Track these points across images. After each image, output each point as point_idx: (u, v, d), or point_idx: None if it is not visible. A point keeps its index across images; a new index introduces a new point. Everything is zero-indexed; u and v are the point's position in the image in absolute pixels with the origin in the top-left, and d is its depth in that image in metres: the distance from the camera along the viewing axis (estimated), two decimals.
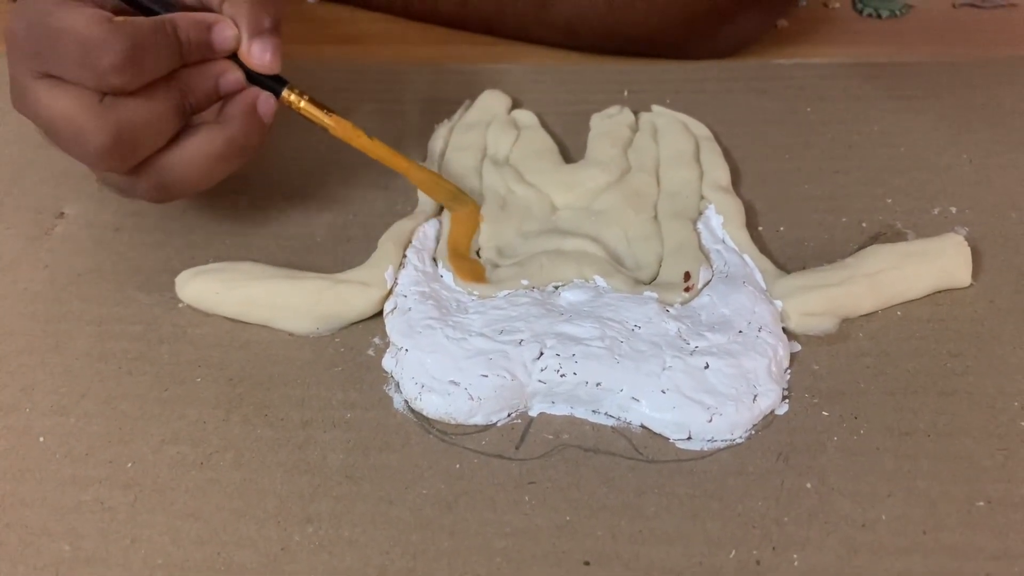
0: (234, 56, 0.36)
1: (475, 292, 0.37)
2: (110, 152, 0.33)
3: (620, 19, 0.50)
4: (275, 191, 0.43)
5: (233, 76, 0.36)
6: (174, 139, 0.35)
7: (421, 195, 0.42)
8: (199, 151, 0.35)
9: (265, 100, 0.37)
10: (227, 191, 0.42)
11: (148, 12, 0.35)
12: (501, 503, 0.31)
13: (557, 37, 0.53)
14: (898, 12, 0.58)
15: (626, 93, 0.49)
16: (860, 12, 0.58)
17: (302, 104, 0.37)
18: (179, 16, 0.35)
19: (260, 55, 0.36)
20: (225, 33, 0.36)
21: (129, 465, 0.32)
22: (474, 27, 0.54)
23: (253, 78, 0.37)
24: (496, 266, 0.39)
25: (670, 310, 0.36)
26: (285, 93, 0.37)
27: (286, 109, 0.38)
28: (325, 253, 0.40)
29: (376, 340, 0.36)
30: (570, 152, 0.46)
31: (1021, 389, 0.34)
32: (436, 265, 0.39)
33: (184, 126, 0.35)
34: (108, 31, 0.32)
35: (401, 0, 0.55)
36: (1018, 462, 0.31)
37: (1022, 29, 0.55)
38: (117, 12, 0.34)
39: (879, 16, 0.57)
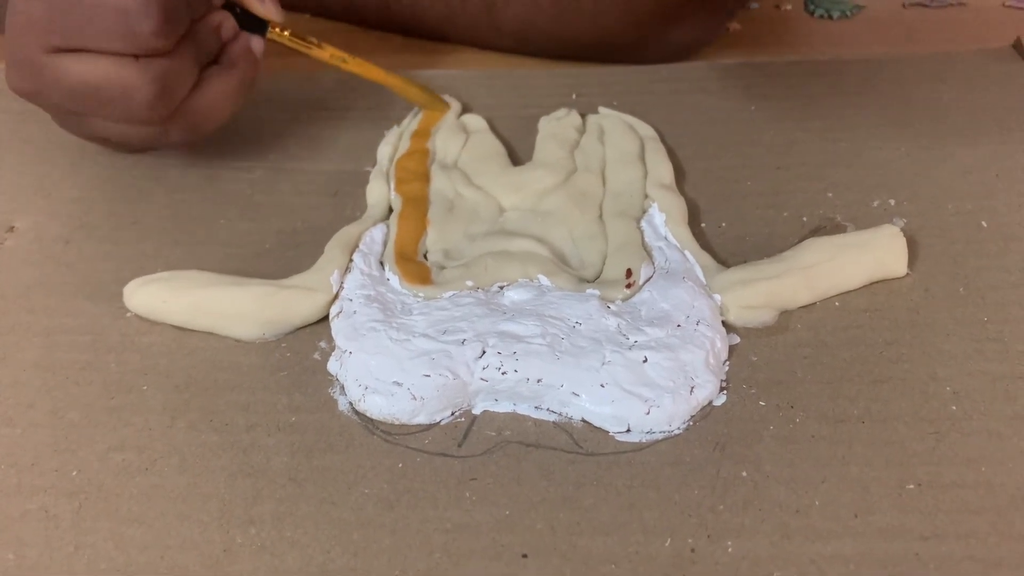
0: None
1: (420, 294, 0.38)
2: (155, 102, 0.38)
3: (568, 24, 0.51)
4: (225, 200, 0.44)
5: (229, 24, 0.42)
6: (195, 85, 0.40)
7: (370, 200, 0.43)
8: (218, 91, 0.41)
9: (257, 41, 0.43)
10: (177, 200, 0.42)
11: None
12: (442, 500, 0.31)
13: (508, 43, 0.53)
14: (849, 12, 0.59)
15: (575, 96, 0.50)
16: (812, 13, 0.59)
17: (286, 35, 0.44)
18: None
19: (272, 6, 0.43)
20: None
21: (74, 473, 0.32)
22: (426, 34, 0.55)
23: (242, 25, 0.43)
24: (442, 268, 0.39)
25: (611, 306, 0.37)
26: (270, 31, 0.44)
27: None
28: (274, 260, 0.40)
29: (322, 344, 0.37)
30: (520, 155, 0.47)
31: (953, 374, 0.35)
32: (383, 268, 0.39)
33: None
34: (145, 1, 0.36)
35: (354, 8, 0.56)
36: (948, 445, 0.32)
37: (970, 27, 0.56)
38: None
39: (831, 17, 0.58)
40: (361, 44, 0.56)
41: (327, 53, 0.45)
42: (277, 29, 0.44)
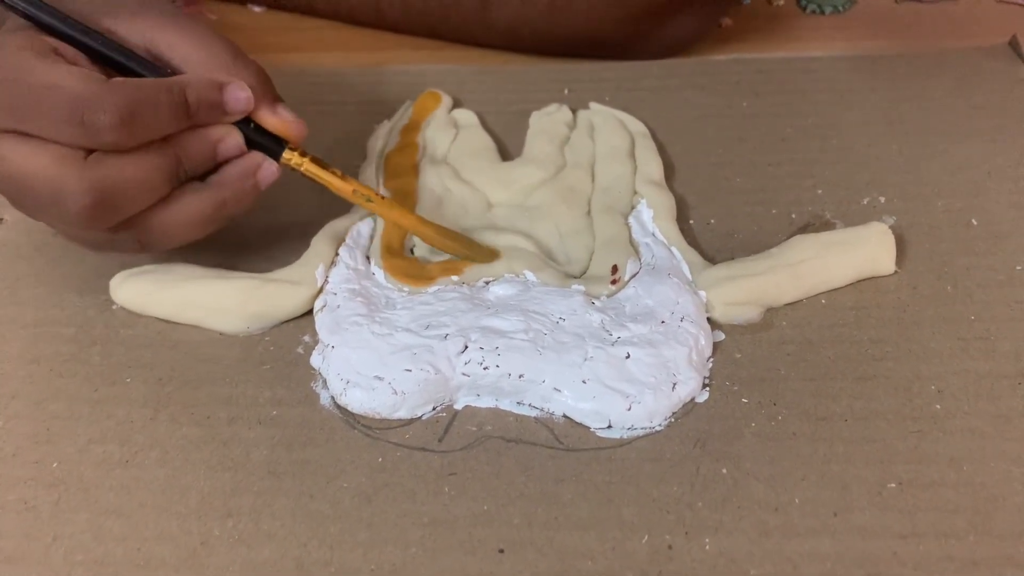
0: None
1: (405, 288, 0.38)
2: (91, 213, 0.32)
3: (561, 21, 0.51)
4: None
5: (233, 141, 0.35)
6: (162, 200, 0.34)
7: None
8: (186, 213, 0.34)
9: (267, 167, 0.36)
10: None
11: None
12: (421, 494, 0.31)
13: (500, 40, 0.53)
14: (841, 8, 0.58)
15: (566, 91, 0.50)
16: (804, 9, 0.58)
17: (304, 166, 0.37)
18: (188, 76, 0.34)
19: (288, 117, 0.36)
20: (239, 94, 0.35)
21: (55, 465, 0.32)
22: (418, 31, 0.55)
23: (251, 142, 0.36)
24: (428, 262, 0.39)
25: (595, 302, 0.36)
26: (287, 155, 0.36)
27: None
28: (261, 254, 0.40)
29: (306, 338, 0.37)
30: (510, 150, 0.47)
31: (938, 373, 0.34)
32: (369, 263, 0.39)
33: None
34: (105, 89, 0.31)
35: (346, 6, 0.56)
36: (930, 444, 0.32)
37: (963, 22, 0.56)
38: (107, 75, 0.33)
39: (823, 12, 0.58)
40: (353, 41, 0.56)
41: (350, 188, 0.37)
42: (296, 155, 0.37)
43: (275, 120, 0.36)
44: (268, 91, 0.36)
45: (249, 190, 0.36)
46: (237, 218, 0.36)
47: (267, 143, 0.36)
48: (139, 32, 0.35)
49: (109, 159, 0.32)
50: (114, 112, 0.31)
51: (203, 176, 0.36)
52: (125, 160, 0.32)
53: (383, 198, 0.38)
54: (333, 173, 0.37)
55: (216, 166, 0.36)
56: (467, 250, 0.39)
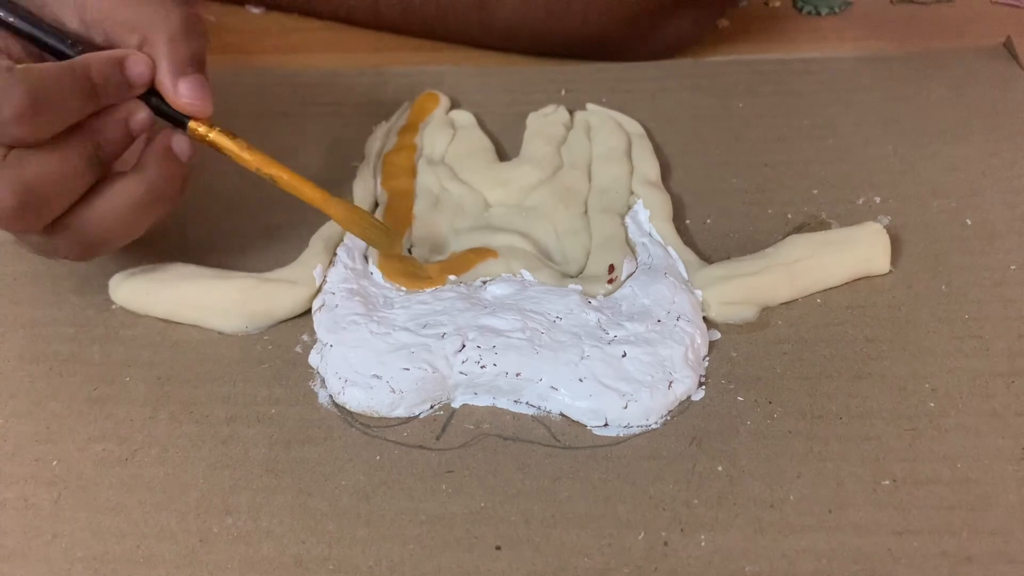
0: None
1: (403, 288, 0.38)
2: (17, 214, 0.31)
3: (558, 22, 0.51)
4: (211, 194, 0.44)
5: (142, 115, 0.34)
6: (89, 192, 0.33)
7: (356, 194, 0.43)
8: (118, 203, 0.33)
9: (181, 140, 0.35)
10: None
11: (58, 54, 0.33)
12: (418, 492, 0.31)
13: (498, 41, 0.53)
14: (837, 9, 0.58)
15: (564, 92, 0.50)
16: (800, 10, 0.59)
17: (210, 136, 0.35)
18: (91, 56, 0.33)
19: (190, 94, 0.34)
20: (139, 68, 0.34)
21: (55, 463, 0.32)
22: (416, 32, 0.55)
23: (159, 114, 0.35)
24: (426, 262, 0.39)
25: (592, 301, 0.37)
26: (192, 124, 0.35)
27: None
28: (260, 254, 0.40)
29: (304, 337, 0.37)
30: (508, 151, 0.47)
31: (933, 371, 0.35)
32: (367, 262, 0.39)
33: (99, 178, 0.33)
34: (6, 79, 0.30)
35: (344, 7, 0.56)
36: (925, 441, 0.32)
37: (957, 23, 0.56)
38: (20, 60, 0.32)
39: (819, 13, 0.58)
40: (351, 42, 0.56)
41: (254, 163, 0.36)
42: (202, 126, 0.35)
43: (173, 99, 0.34)
44: (176, 61, 0.34)
45: (173, 167, 0.35)
46: (172, 201, 0.35)
47: (174, 114, 0.35)
48: (72, 3, 0.34)
49: (25, 156, 0.31)
50: (15, 104, 0.30)
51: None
52: (42, 155, 0.31)
53: (288, 171, 0.36)
54: (239, 143, 0.35)
55: (128, 146, 0.34)
56: (377, 236, 0.38)
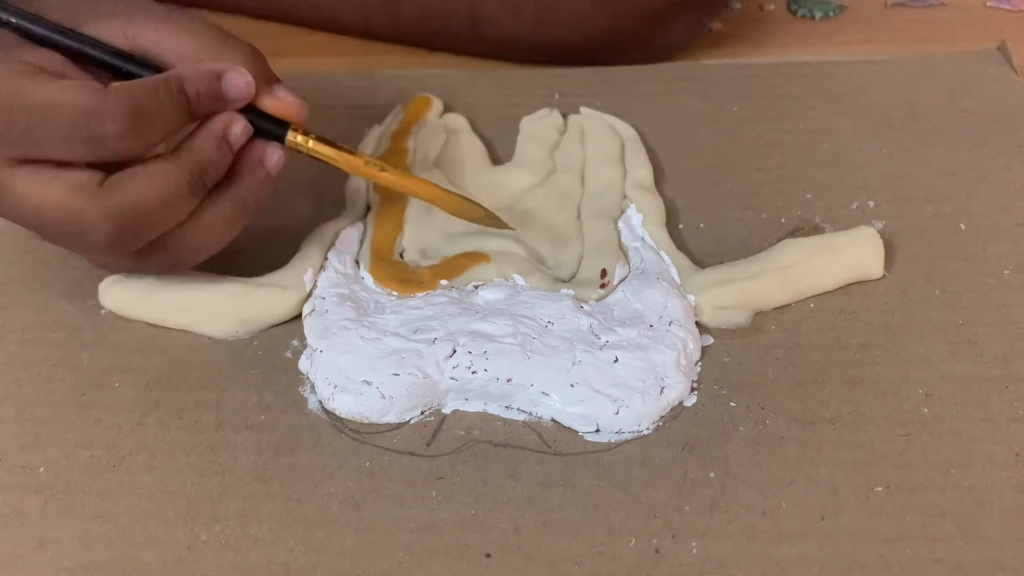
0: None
1: (394, 293, 0.38)
2: (114, 241, 0.31)
3: (550, 32, 0.51)
4: None
5: (240, 126, 0.34)
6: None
7: (349, 198, 0.43)
8: (210, 221, 0.33)
9: (274, 152, 0.35)
10: None
11: (110, 68, 0.33)
12: (408, 499, 0.31)
13: (491, 52, 0.53)
14: (832, 13, 0.59)
15: (557, 96, 0.50)
16: (795, 13, 0.59)
17: (310, 144, 0.36)
18: (183, 69, 0.33)
19: (289, 99, 0.35)
20: (238, 81, 0.34)
21: (41, 470, 0.32)
22: (408, 43, 0.55)
23: (255, 129, 0.35)
24: (418, 267, 0.39)
25: (584, 306, 0.36)
26: (290, 135, 0.35)
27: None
28: (251, 259, 0.40)
29: (294, 343, 0.37)
30: (501, 155, 0.47)
31: (926, 377, 0.34)
32: (359, 267, 0.39)
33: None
34: (104, 97, 0.30)
35: (337, 21, 0.56)
36: (919, 448, 0.32)
37: (953, 26, 0.56)
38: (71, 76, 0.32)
39: (813, 17, 0.58)
40: (344, 45, 0.56)
41: (361, 161, 0.36)
42: (300, 135, 0.35)
43: (275, 104, 0.35)
44: (264, 72, 0.35)
45: (263, 180, 0.35)
46: (256, 214, 0.35)
47: (268, 127, 0.35)
48: (120, 32, 0.34)
49: (126, 181, 0.31)
50: (119, 119, 0.30)
51: None
52: (143, 179, 0.31)
53: (393, 167, 0.37)
54: (340, 149, 0.36)
55: (228, 163, 0.34)
56: (489, 218, 0.38)
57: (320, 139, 0.36)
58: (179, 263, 0.35)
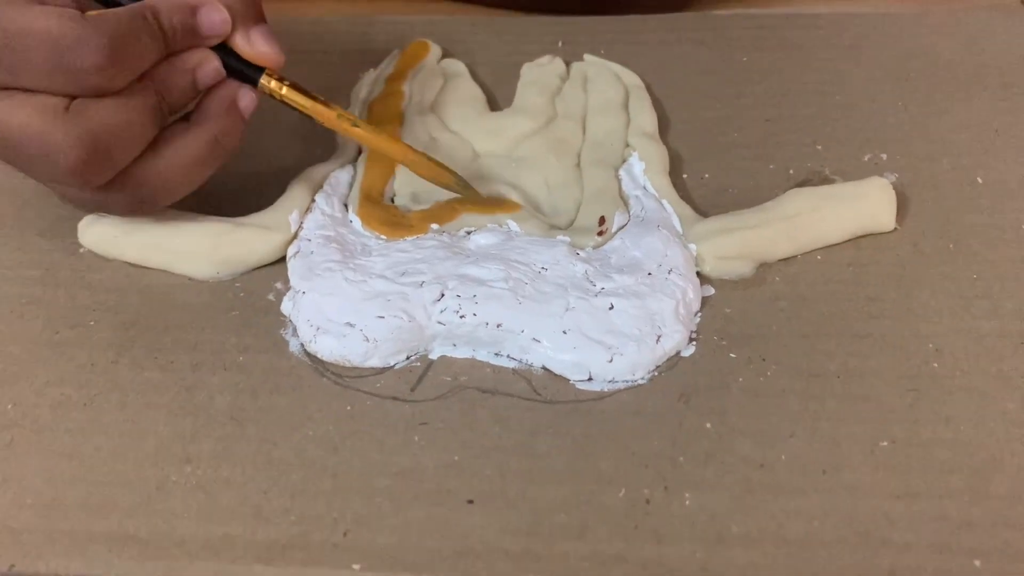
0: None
1: (383, 237, 0.36)
2: (83, 167, 0.30)
3: None
4: None
5: (211, 67, 0.33)
6: (151, 146, 0.32)
7: (340, 141, 0.41)
8: (178, 157, 0.33)
9: (246, 94, 0.34)
10: None
11: (113, 4, 0.32)
12: (389, 444, 0.30)
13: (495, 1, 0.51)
14: None
15: (560, 44, 0.48)
16: None
17: (283, 91, 0.34)
18: (159, 1, 0.32)
19: (264, 44, 0.34)
20: (213, 17, 0.32)
21: (9, 406, 0.31)
22: None
23: (230, 69, 0.34)
24: (408, 211, 0.38)
25: (580, 253, 0.35)
26: (264, 80, 0.34)
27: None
28: (235, 200, 0.38)
29: (278, 285, 0.35)
30: (500, 102, 0.45)
31: (937, 331, 0.33)
32: (346, 209, 0.38)
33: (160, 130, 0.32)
34: (84, 27, 0.29)
35: None
36: (927, 403, 0.30)
37: None
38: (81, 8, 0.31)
39: None
40: None
41: (334, 113, 0.35)
42: (274, 80, 0.34)
43: (248, 48, 0.34)
44: (247, 12, 0.33)
45: (235, 122, 0.34)
46: (229, 155, 0.34)
47: (244, 69, 0.34)
48: None
49: (91, 107, 0.30)
50: (97, 52, 0.29)
51: (186, 117, 0.34)
52: (107, 105, 0.30)
53: (366, 123, 0.36)
54: (315, 99, 0.35)
55: (196, 100, 0.34)
56: (458, 186, 0.36)
57: (295, 87, 0.35)
58: (146, 201, 0.33)
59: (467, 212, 0.37)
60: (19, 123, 0.29)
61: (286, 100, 0.35)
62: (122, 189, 0.32)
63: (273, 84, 0.34)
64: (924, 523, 0.27)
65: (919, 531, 0.27)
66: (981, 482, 0.28)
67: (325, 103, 0.35)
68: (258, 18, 0.34)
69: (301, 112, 0.35)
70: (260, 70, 0.34)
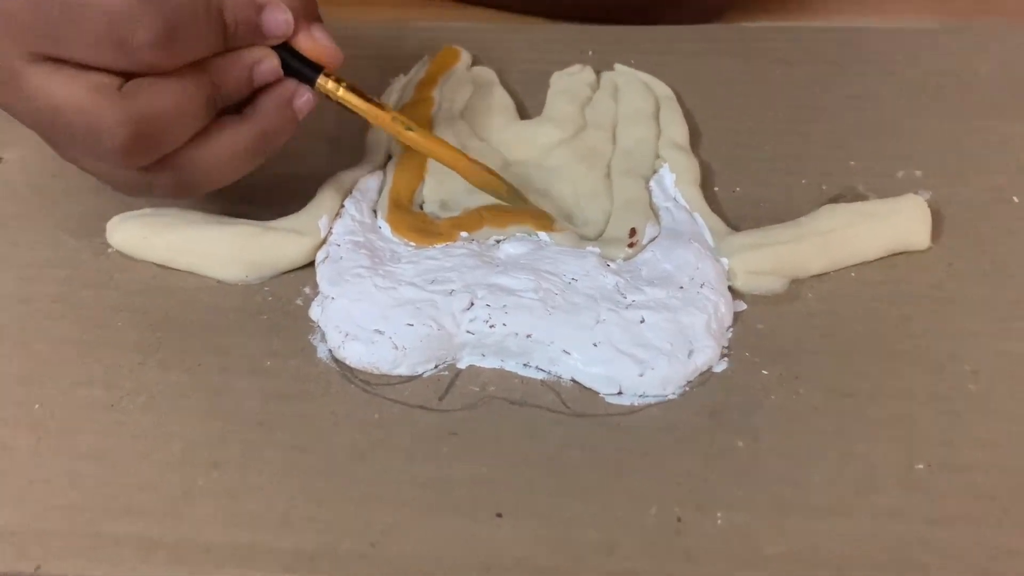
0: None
1: (412, 243, 0.36)
2: (130, 147, 0.30)
3: None
4: None
5: (269, 65, 0.33)
6: (200, 132, 0.32)
7: (369, 147, 0.41)
8: (226, 147, 0.33)
9: (303, 94, 0.34)
10: None
11: None
12: (417, 454, 0.29)
13: (526, 7, 0.51)
14: None
15: (591, 53, 0.48)
16: None
17: (340, 92, 0.35)
18: None
19: (325, 42, 0.34)
20: (277, 17, 0.33)
21: (36, 407, 0.31)
22: None
23: (285, 67, 0.34)
24: (438, 219, 0.37)
25: (611, 264, 0.35)
26: (321, 80, 0.34)
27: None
28: (265, 203, 0.38)
29: (306, 290, 0.35)
30: (530, 111, 0.45)
31: (974, 353, 0.32)
32: (376, 216, 0.37)
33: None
34: (141, 5, 0.29)
35: None
36: (965, 426, 0.30)
37: None
38: None
39: None
40: None
41: (389, 116, 0.35)
42: (331, 81, 0.34)
43: (311, 45, 0.34)
44: (307, 11, 0.34)
45: (288, 120, 0.34)
46: (275, 151, 0.34)
47: (302, 68, 0.34)
48: None
49: (145, 89, 0.30)
50: (152, 30, 0.29)
51: (238, 108, 0.34)
52: (161, 88, 0.30)
53: (421, 128, 0.36)
54: (370, 101, 0.35)
55: (251, 95, 0.34)
56: (509, 195, 0.36)
57: (351, 88, 0.35)
58: (188, 185, 0.33)
59: (488, 226, 0.36)
60: (69, 95, 0.29)
61: (342, 101, 0.35)
62: (166, 171, 0.32)
63: (330, 85, 0.34)
64: (959, 549, 0.27)
65: (956, 557, 0.26)
66: (1019, 509, 0.27)
67: (380, 105, 0.35)
68: (316, 15, 0.35)
69: (354, 112, 0.35)
70: (317, 71, 0.34)
